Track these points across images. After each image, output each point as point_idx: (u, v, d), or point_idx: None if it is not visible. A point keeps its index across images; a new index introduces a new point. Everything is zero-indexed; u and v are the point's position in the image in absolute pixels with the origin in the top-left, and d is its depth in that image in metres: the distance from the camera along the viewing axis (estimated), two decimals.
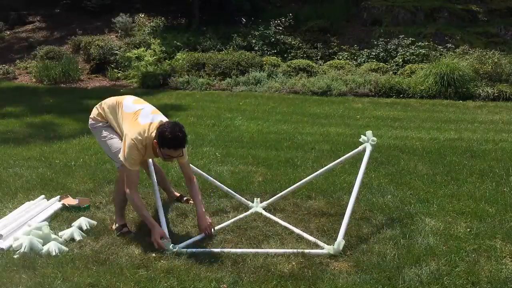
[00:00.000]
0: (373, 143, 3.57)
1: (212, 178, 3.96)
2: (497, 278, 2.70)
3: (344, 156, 3.78)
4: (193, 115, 7.64)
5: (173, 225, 3.50)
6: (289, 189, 3.80)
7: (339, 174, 4.60)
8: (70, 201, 3.79)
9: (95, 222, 3.48)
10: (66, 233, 3.25)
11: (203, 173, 3.96)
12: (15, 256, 2.94)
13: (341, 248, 2.96)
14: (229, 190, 3.89)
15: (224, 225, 3.44)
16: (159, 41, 12.61)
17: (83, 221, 3.40)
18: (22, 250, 2.98)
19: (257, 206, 3.72)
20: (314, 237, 3.20)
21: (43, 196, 3.95)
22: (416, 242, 3.16)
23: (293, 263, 2.87)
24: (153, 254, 2.98)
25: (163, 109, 8.32)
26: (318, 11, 14.05)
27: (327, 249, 2.97)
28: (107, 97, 3.55)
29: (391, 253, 2.98)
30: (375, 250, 3.04)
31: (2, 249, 3.05)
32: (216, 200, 4.00)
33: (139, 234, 3.30)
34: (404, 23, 13.85)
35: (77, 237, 3.21)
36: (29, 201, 3.86)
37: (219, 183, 3.94)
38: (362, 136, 3.65)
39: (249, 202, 3.80)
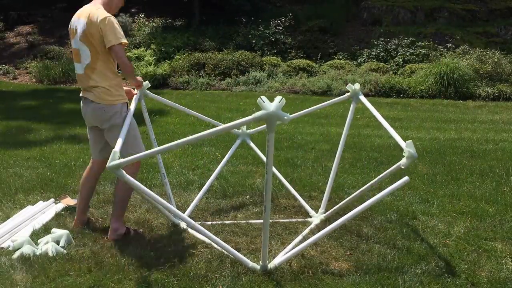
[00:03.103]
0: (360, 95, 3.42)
1: (282, 178, 3.89)
2: (497, 278, 2.69)
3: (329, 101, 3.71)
4: (193, 115, 7.64)
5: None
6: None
7: (340, 173, 4.60)
8: (69, 201, 3.78)
9: (73, 243, 3.15)
10: (41, 248, 3.01)
11: (278, 173, 3.89)
12: (14, 257, 2.94)
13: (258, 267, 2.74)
14: (295, 193, 3.81)
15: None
16: (158, 41, 12.61)
17: (64, 238, 3.10)
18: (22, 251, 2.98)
19: (317, 217, 3.55)
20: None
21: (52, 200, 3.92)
22: (416, 242, 3.16)
23: (293, 263, 2.87)
24: (153, 254, 2.98)
25: (163, 109, 8.32)
26: (318, 11, 14.06)
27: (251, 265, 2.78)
28: None
29: (391, 253, 2.98)
30: (375, 250, 3.04)
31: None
32: (216, 200, 3.99)
33: (139, 234, 3.29)
34: (404, 23, 13.87)
35: (51, 253, 2.95)
36: (29, 203, 3.85)
37: (288, 184, 3.87)
38: (350, 85, 3.50)
39: (311, 210, 3.66)
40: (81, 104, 3.20)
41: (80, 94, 3.19)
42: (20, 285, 2.63)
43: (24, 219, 3.49)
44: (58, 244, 3.07)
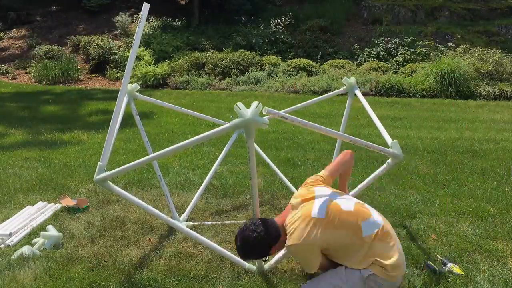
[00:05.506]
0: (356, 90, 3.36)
1: (283, 176, 3.85)
2: (498, 278, 2.68)
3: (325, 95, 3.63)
4: (193, 115, 7.62)
5: None
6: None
7: None
8: (69, 201, 3.76)
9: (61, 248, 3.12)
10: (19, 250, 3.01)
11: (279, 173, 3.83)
12: (13, 257, 2.92)
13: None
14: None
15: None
16: (158, 40, 12.60)
17: (50, 240, 3.11)
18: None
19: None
20: None
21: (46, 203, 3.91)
22: (416, 241, 3.14)
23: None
24: (153, 254, 2.96)
25: (163, 109, 8.30)
26: (318, 10, 14.05)
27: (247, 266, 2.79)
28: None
29: None
30: None
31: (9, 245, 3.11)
32: (216, 200, 3.98)
33: (139, 235, 3.28)
34: (404, 22, 13.85)
35: (27, 253, 2.96)
36: (29, 203, 3.83)
37: (289, 183, 3.84)
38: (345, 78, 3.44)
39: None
40: None
41: None
42: (22, 284, 2.62)
43: (23, 219, 3.47)
44: (44, 244, 3.08)
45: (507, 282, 2.65)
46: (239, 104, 2.19)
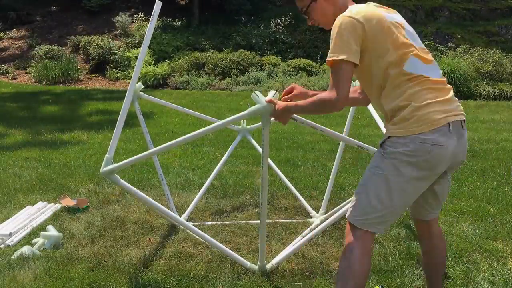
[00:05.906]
0: None
1: (283, 176, 3.87)
2: (498, 278, 2.68)
3: None
4: (192, 115, 7.62)
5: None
6: None
7: (340, 173, 4.58)
8: (69, 201, 3.76)
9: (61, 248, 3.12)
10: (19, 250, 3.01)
11: (280, 173, 3.85)
12: (13, 257, 2.92)
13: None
14: (296, 192, 3.80)
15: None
16: (158, 40, 12.61)
17: (50, 240, 3.11)
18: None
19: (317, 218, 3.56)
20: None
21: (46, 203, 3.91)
22: (416, 242, 3.14)
23: (293, 264, 2.85)
24: (153, 254, 2.96)
25: (163, 109, 8.31)
26: None
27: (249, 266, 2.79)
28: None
29: (391, 253, 2.96)
30: (375, 250, 3.02)
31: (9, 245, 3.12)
32: (216, 200, 3.98)
33: (139, 235, 3.28)
34: None
35: (27, 253, 2.95)
36: (29, 203, 3.83)
37: (289, 183, 3.85)
38: None
39: (312, 211, 3.65)
40: (452, 138, 1.82)
41: (451, 119, 1.83)
42: (21, 284, 2.62)
43: (23, 219, 3.47)
44: (44, 245, 3.07)
45: (507, 282, 2.65)
46: (257, 92, 2.27)
